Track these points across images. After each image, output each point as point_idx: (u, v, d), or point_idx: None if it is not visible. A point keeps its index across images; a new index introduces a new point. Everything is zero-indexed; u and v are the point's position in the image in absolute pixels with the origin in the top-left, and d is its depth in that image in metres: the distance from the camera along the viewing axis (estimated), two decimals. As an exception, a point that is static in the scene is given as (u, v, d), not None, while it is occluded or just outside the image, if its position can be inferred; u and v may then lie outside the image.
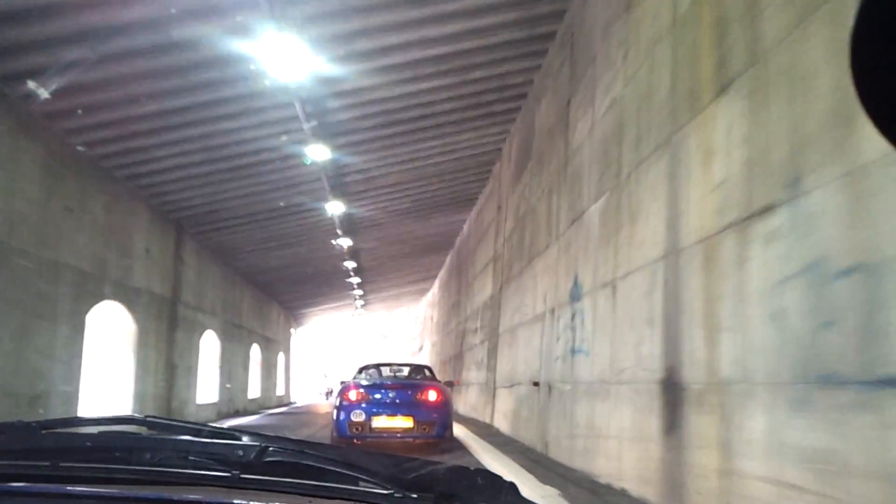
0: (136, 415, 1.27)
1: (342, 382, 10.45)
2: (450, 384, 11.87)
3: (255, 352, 23.53)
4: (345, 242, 17.83)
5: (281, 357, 29.54)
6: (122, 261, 11.11)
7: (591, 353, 6.76)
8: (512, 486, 1.14)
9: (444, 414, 9.35)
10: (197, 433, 1.21)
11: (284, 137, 10.41)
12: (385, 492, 1.09)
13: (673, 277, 4.85)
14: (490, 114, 11.74)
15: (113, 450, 1.15)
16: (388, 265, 23.93)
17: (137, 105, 8.59)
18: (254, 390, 23.39)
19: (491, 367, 13.56)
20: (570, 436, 7.38)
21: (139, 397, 11.99)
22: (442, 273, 26.18)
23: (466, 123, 11.94)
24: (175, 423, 1.22)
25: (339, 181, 13.33)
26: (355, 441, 9.14)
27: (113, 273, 10.77)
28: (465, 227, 19.52)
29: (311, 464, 1.13)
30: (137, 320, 11.87)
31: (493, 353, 13.48)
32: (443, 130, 11.93)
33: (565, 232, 8.20)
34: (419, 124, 11.41)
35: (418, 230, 19.31)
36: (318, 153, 11.22)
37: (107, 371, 11.43)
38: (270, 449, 1.15)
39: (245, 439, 1.21)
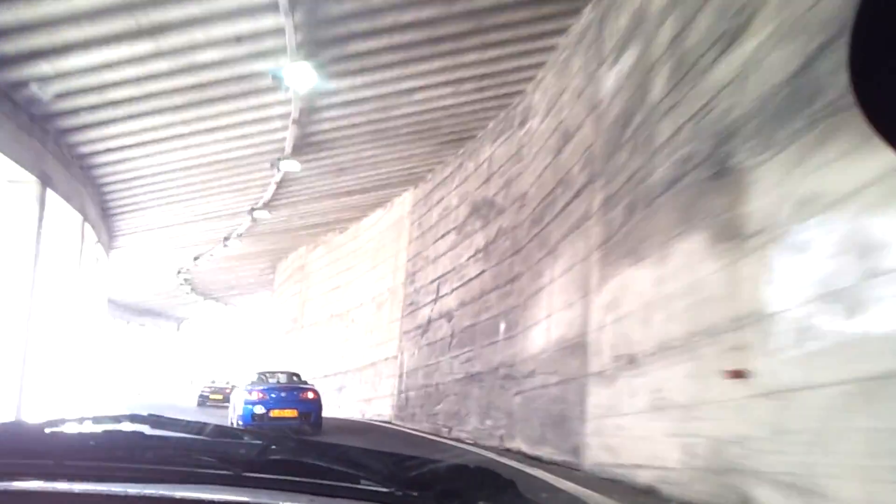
0: (139, 413, 1.28)
1: (234, 387, 15.14)
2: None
3: None
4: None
5: None
6: None
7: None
8: (512, 483, 1.15)
9: (317, 407, 13.53)
10: (200, 431, 1.23)
11: None
12: (386, 490, 1.10)
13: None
14: None
15: (116, 448, 1.16)
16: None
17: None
18: None
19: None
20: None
21: None
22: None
23: None
24: (178, 421, 1.22)
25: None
26: (254, 427, 12.70)
27: None
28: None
29: (313, 462, 1.14)
30: None
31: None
32: None
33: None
34: None
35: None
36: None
37: None
38: (273, 448, 1.16)
39: (247, 438, 1.22)
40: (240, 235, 19.45)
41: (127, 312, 35.61)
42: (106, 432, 1.17)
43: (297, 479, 1.13)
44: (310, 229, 21.10)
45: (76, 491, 1.08)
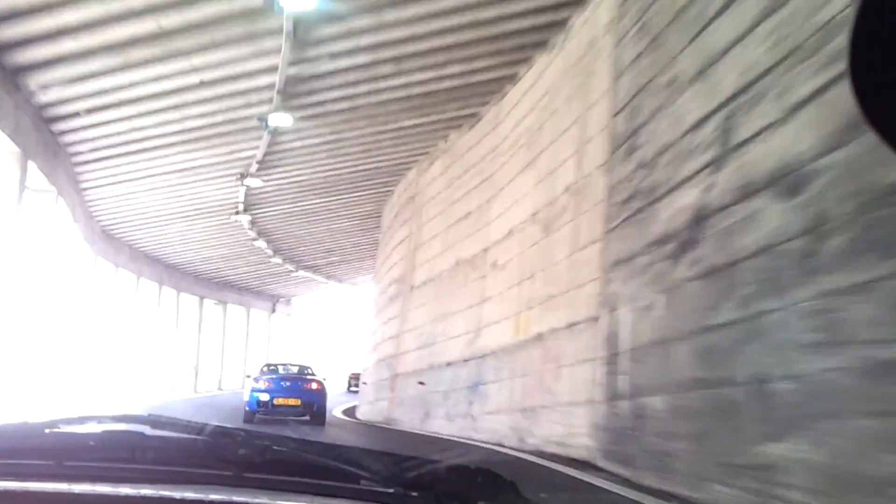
0: (139, 413, 1.28)
1: (247, 376, 16.21)
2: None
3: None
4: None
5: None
6: None
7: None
8: (512, 484, 1.14)
9: (321, 397, 14.72)
10: (200, 432, 1.23)
11: None
12: (386, 490, 1.10)
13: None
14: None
15: (116, 449, 1.17)
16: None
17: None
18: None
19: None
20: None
21: None
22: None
23: None
24: (178, 421, 1.24)
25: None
26: (261, 414, 14.36)
27: None
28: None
29: (313, 462, 1.15)
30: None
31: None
32: None
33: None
34: None
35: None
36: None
37: None
38: (273, 448, 1.17)
39: (248, 438, 1.22)
40: (281, 93, 10.37)
41: (198, 285, 27.34)
42: (106, 433, 1.18)
43: (298, 479, 1.14)
44: (419, 110, 12.67)
45: (76, 491, 1.09)
